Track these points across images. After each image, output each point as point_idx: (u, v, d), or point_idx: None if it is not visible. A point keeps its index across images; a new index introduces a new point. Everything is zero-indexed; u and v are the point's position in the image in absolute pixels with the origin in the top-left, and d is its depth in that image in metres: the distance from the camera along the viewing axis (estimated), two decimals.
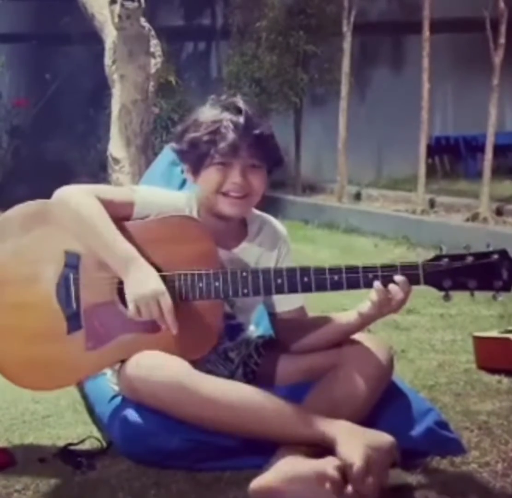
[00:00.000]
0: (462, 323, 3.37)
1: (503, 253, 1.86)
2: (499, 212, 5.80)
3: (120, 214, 1.99)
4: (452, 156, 8.52)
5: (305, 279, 1.91)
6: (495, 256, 1.86)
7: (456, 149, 8.42)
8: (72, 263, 1.97)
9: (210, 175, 2.01)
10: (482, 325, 3.28)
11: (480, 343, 2.79)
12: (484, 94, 5.89)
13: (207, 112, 2.03)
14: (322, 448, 1.84)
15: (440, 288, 1.88)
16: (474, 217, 5.57)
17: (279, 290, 1.93)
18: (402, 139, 7.54)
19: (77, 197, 1.97)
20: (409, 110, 6.78)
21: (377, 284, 1.89)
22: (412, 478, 1.89)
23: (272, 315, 2.13)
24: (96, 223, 1.95)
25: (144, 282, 1.90)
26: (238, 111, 2.01)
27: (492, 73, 5.65)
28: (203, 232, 1.98)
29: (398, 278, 1.88)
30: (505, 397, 2.44)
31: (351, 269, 1.90)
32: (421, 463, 1.96)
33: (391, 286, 1.89)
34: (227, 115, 2.01)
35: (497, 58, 5.62)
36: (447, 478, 1.91)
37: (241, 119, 1.99)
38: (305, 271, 1.92)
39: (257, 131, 1.99)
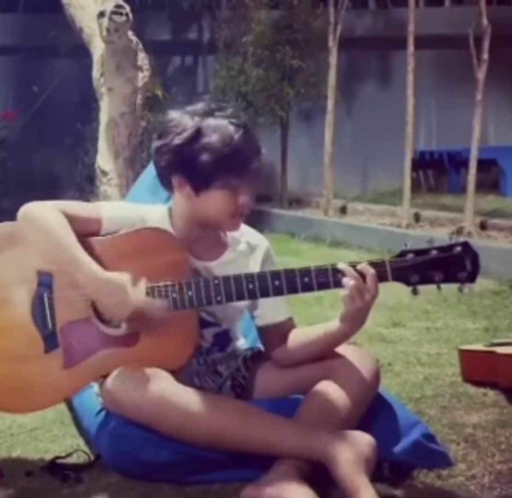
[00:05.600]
0: (447, 336, 3.38)
1: (465, 245, 1.88)
2: (483, 226, 5.84)
3: (88, 230, 1.96)
4: (436, 171, 8.57)
5: (276, 282, 1.91)
6: (458, 248, 1.87)
7: (440, 164, 8.47)
8: (45, 282, 1.95)
9: (222, 198, 1.96)
10: (468, 338, 3.29)
11: (466, 356, 2.80)
12: (467, 110, 5.93)
13: (212, 124, 1.94)
14: (314, 462, 1.85)
15: (407, 283, 1.89)
16: (459, 232, 5.60)
17: (252, 295, 1.93)
18: (387, 153, 7.57)
19: (41, 213, 1.95)
20: (394, 125, 6.81)
21: (341, 264, 1.89)
22: (399, 491, 1.90)
23: (260, 328, 2.13)
24: (60, 239, 1.91)
25: (113, 297, 1.90)
26: (242, 126, 1.96)
27: (476, 89, 5.69)
28: (174, 243, 1.97)
29: (362, 265, 1.88)
30: (490, 410, 2.45)
31: (321, 270, 1.92)
32: (408, 476, 1.97)
33: (361, 266, 1.88)
34: (236, 133, 1.93)
35: (480, 74, 5.67)
36: (434, 491, 1.92)
37: (252, 139, 1.96)
38: (276, 274, 1.92)
39: (263, 151, 1.98)
